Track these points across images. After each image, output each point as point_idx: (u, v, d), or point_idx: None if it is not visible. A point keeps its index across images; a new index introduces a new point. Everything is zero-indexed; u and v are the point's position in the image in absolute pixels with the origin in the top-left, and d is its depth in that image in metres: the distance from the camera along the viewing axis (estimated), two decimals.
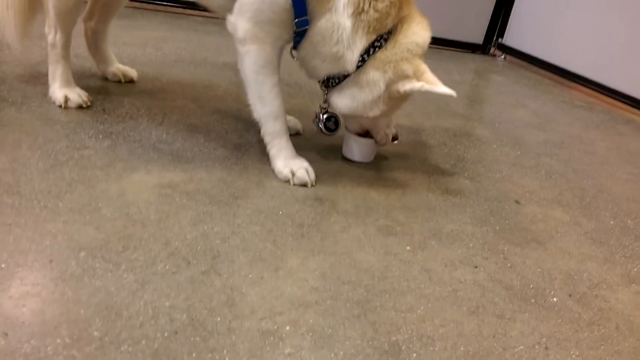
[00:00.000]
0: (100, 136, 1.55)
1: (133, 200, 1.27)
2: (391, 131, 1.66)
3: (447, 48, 3.93)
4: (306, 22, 1.38)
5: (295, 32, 1.40)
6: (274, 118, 1.50)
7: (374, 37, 1.40)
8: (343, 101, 1.49)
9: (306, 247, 1.22)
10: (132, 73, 2.00)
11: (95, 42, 1.91)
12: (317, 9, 1.36)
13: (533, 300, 1.19)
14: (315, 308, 1.03)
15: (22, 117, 1.58)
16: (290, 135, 1.58)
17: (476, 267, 1.27)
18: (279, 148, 1.52)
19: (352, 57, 1.41)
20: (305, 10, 1.35)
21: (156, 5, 3.28)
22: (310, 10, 1.36)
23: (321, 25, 1.37)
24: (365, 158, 1.71)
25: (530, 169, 1.93)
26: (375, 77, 1.42)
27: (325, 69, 1.47)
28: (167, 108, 1.83)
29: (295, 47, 1.47)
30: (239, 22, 1.41)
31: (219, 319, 0.96)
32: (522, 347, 1.04)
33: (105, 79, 1.98)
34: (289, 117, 1.73)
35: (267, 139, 1.53)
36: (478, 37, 4.06)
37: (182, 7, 3.31)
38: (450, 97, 1.43)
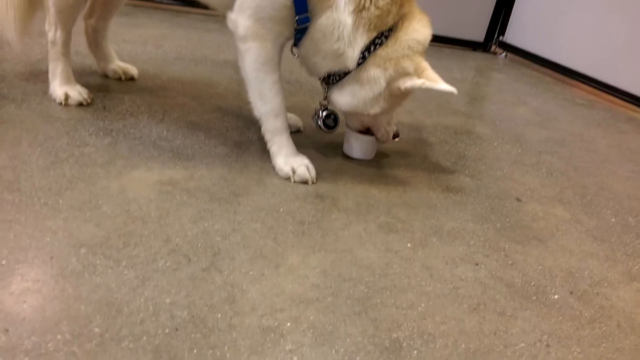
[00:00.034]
0: (101, 133, 1.55)
1: (133, 197, 1.27)
2: (392, 128, 1.66)
3: (448, 46, 3.92)
4: (307, 19, 1.37)
5: (296, 30, 1.40)
6: (275, 115, 1.50)
7: (374, 34, 1.40)
8: (344, 98, 1.49)
9: (307, 244, 1.22)
10: (133, 70, 2.00)
11: (95, 40, 1.91)
12: (318, 6, 1.36)
13: (534, 298, 1.18)
14: (316, 305, 1.03)
15: (22, 114, 1.57)
16: (291, 132, 1.58)
17: (477, 264, 1.27)
18: (279, 145, 1.52)
19: (352, 54, 1.41)
20: (306, 7, 1.35)
21: (156, 3, 3.27)
22: (311, 7, 1.36)
23: (322, 22, 1.37)
24: (366, 155, 1.71)
25: (531, 167, 1.93)
26: (376, 74, 1.42)
27: (326, 66, 1.47)
28: (167, 105, 1.83)
29: (295, 45, 1.46)
30: (240, 20, 1.40)
31: (219, 315, 0.96)
32: (523, 344, 1.04)
33: (105, 76, 1.98)
34: (290, 115, 1.73)
35: (267, 136, 1.53)
36: (479, 35, 4.05)
37: (183, 5, 3.31)
38: (451, 94, 1.43)
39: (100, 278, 1.00)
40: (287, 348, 0.92)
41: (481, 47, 4.07)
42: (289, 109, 1.62)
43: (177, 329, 0.91)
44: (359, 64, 1.42)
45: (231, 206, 1.31)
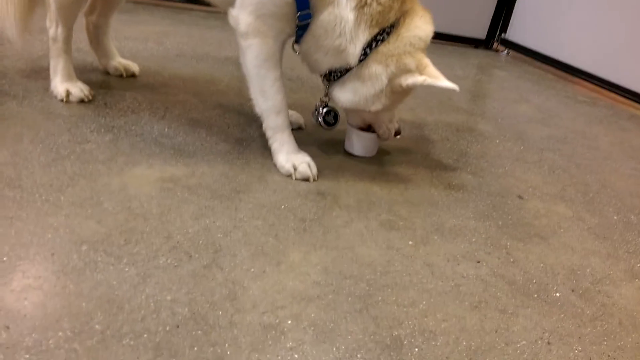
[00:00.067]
0: (102, 130, 1.55)
1: (135, 194, 1.27)
2: (394, 126, 1.65)
3: (450, 43, 3.92)
4: (308, 16, 1.37)
5: (297, 26, 1.39)
6: (276, 112, 1.49)
7: (376, 30, 1.39)
8: (345, 95, 1.49)
9: (308, 242, 1.22)
10: (134, 67, 2.00)
11: (96, 36, 1.91)
12: (319, 2, 1.35)
13: (536, 296, 1.18)
14: (317, 302, 1.03)
15: (23, 111, 1.57)
16: (292, 129, 1.58)
17: (479, 262, 1.27)
18: (281, 142, 1.51)
19: (354, 50, 1.40)
20: (308, 3, 1.35)
21: (158, 0, 3.27)
22: (312, 3, 1.35)
23: (324, 18, 1.36)
24: (368, 153, 1.71)
25: (533, 164, 1.92)
26: (378, 70, 1.41)
27: (328, 63, 1.46)
28: (169, 102, 1.83)
29: (297, 41, 1.46)
30: (241, 16, 1.40)
31: (220, 312, 0.96)
32: (524, 342, 1.03)
33: (106, 73, 1.98)
34: (291, 112, 1.73)
35: (269, 133, 1.52)
36: (481, 32, 4.04)
37: (184, 2, 3.30)
38: (453, 91, 1.42)
39: (102, 275, 1.00)
40: (288, 345, 0.92)
41: (483, 44, 4.07)
42: (290, 106, 1.62)
43: (178, 326, 0.91)
44: (360, 61, 1.42)
45: (232, 203, 1.31)
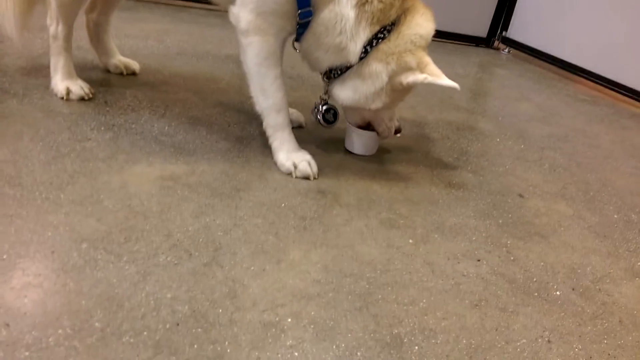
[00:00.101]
0: (102, 128, 1.54)
1: (135, 192, 1.27)
2: (394, 124, 1.65)
3: (451, 41, 3.91)
4: (309, 14, 1.37)
5: (298, 24, 1.39)
6: (277, 111, 1.49)
7: (377, 28, 1.39)
8: (345, 93, 1.48)
9: (308, 240, 1.22)
10: (134, 65, 1.99)
11: (97, 34, 1.91)
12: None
13: (536, 294, 1.18)
14: (317, 300, 1.03)
15: (23, 109, 1.57)
16: (293, 128, 1.58)
17: (479, 260, 1.27)
18: (281, 141, 1.51)
19: (354, 48, 1.40)
20: (309, 1, 1.34)
21: None
22: (313, 1, 1.35)
23: (324, 16, 1.36)
24: (368, 151, 1.71)
25: (533, 163, 1.92)
26: (378, 68, 1.41)
27: (328, 61, 1.46)
28: (169, 100, 1.83)
29: (297, 39, 1.46)
30: (242, 14, 1.40)
31: (220, 310, 0.96)
32: (524, 340, 1.03)
33: (107, 71, 1.97)
34: (292, 110, 1.73)
35: (269, 131, 1.52)
36: (482, 31, 4.03)
37: (185, 0, 3.30)
38: (453, 90, 1.42)
39: (102, 273, 1.00)
40: (288, 343, 0.92)
41: (484, 42, 4.06)
42: (290, 104, 1.61)
43: (178, 324, 0.91)
44: (361, 58, 1.42)
45: (233, 201, 1.31)
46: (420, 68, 1.42)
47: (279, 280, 1.07)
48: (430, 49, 1.48)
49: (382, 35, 1.40)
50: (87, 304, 0.92)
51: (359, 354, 0.93)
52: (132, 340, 0.86)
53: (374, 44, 1.40)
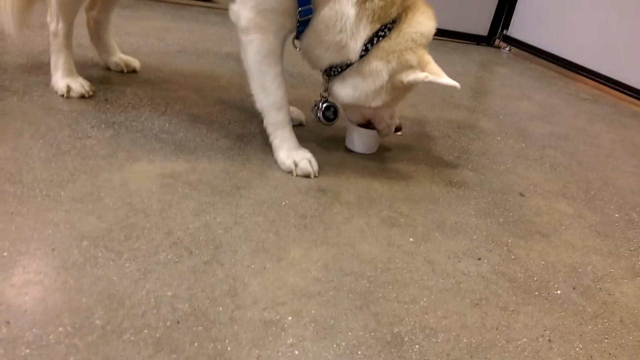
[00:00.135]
0: (103, 126, 1.54)
1: (135, 189, 1.27)
2: (394, 122, 1.65)
3: (452, 40, 3.91)
4: (310, 11, 1.36)
5: (298, 22, 1.39)
6: (277, 108, 1.49)
7: (378, 26, 1.39)
8: (345, 90, 1.48)
9: (309, 238, 1.22)
10: (135, 63, 1.99)
11: (97, 32, 1.90)
12: None
13: (537, 293, 1.18)
14: (317, 299, 1.03)
15: (24, 106, 1.57)
16: (293, 126, 1.57)
17: (480, 259, 1.27)
18: (281, 139, 1.51)
19: (355, 46, 1.40)
20: None
21: None
22: None
23: (325, 13, 1.36)
24: (368, 149, 1.70)
25: (534, 162, 1.92)
26: (379, 66, 1.41)
27: (328, 58, 1.46)
28: (169, 98, 1.82)
29: (298, 37, 1.45)
30: (242, 11, 1.39)
31: (221, 308, 0.96)
32: (525, 339, 1.03)
33: (107, 69, 1.97)
34: (292, 108, 1.72)
35: (269, 129, 1.52)
36: (483, 29, 4.03)
37: None
38: (454, 88, 1.41)
39: (102, 270, 1.00)
40: (289, 342, 0.92)
41: (485, 41, 4.06)
42: (291, 102, 1.61)
43: (178, 322, 0.91)
44: (361, 56, 1.41)
45: (233, 199, 1.31)
46: (421, 66, 1.42)
47: (279, 278, 1.07)
48: (430, 47, 1.47)
49: (383, 33, 1.39)
50: (88, 302, 0.92)
51: (359, 352, 0.93)
52: (132, 338, 0.86)
53: (374, 42, 1.40)
